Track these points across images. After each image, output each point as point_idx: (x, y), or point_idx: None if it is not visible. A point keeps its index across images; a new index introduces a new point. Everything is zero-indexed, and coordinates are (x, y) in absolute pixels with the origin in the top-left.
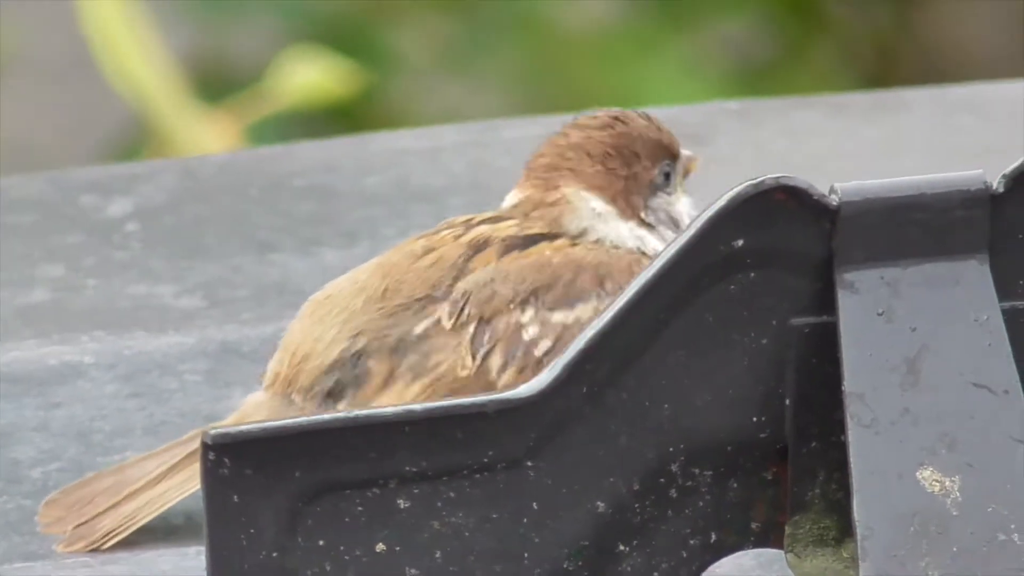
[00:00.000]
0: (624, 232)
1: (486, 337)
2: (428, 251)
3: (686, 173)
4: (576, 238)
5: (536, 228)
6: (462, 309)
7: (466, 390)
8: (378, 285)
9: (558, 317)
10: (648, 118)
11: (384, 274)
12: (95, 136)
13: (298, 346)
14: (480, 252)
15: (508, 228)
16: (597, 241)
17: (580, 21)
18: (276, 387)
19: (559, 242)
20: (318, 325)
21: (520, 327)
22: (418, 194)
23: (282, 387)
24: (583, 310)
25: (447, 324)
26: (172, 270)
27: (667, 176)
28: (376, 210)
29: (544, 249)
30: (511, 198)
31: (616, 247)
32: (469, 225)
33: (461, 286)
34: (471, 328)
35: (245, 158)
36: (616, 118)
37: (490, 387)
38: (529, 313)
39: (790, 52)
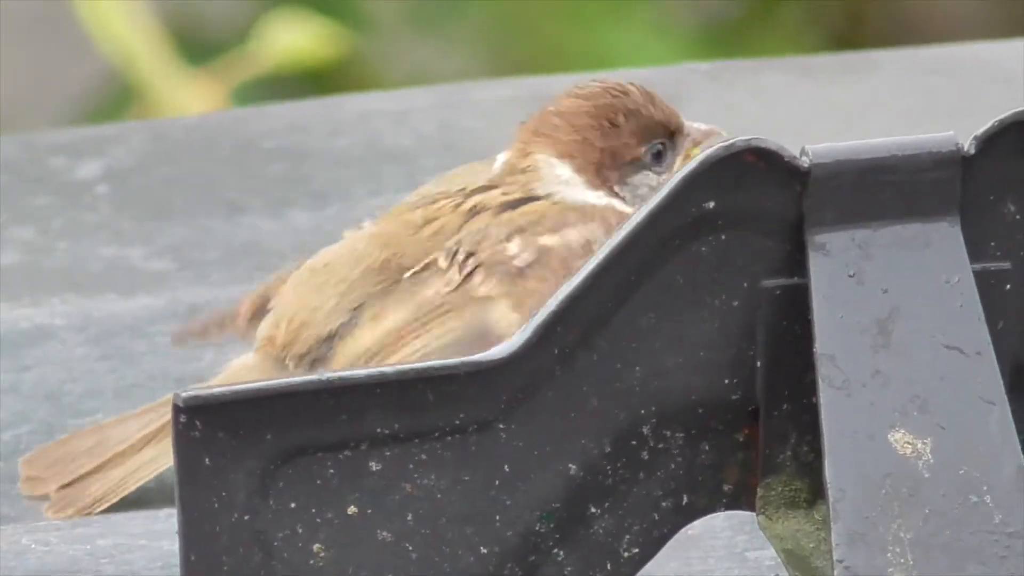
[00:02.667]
0: (591, 200)
1: (470, 261)
2: (428, 221)
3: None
4: (554, 203)
5: (517, 193)
6: (455, 252)
7: (450, 312)
8: (377, 255)
9: (544, 240)
10: (646, 94)
11: (383, 244)
12: (66, 94)
13: (295, 312)
14: (476, 216)
15: (499, 196)
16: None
17: None
18: (269, 350)
19: (541, 204)
20: (316, 294)
21: (505, 252)
22: (388, 155)
23: (276, 351)
24: (569, 234)
25: (443, 264)
26: (142, 232)
27: (659, 154)
28: (346, 171)
29: (534, 207)
30: (499, 160)
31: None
32: (465, 194)
33: (451, 240)
34: (460, 258)
35: (215, 120)
36: (610, 89)
37: (472, 303)
38: (516, 242)
39: (758, 12)
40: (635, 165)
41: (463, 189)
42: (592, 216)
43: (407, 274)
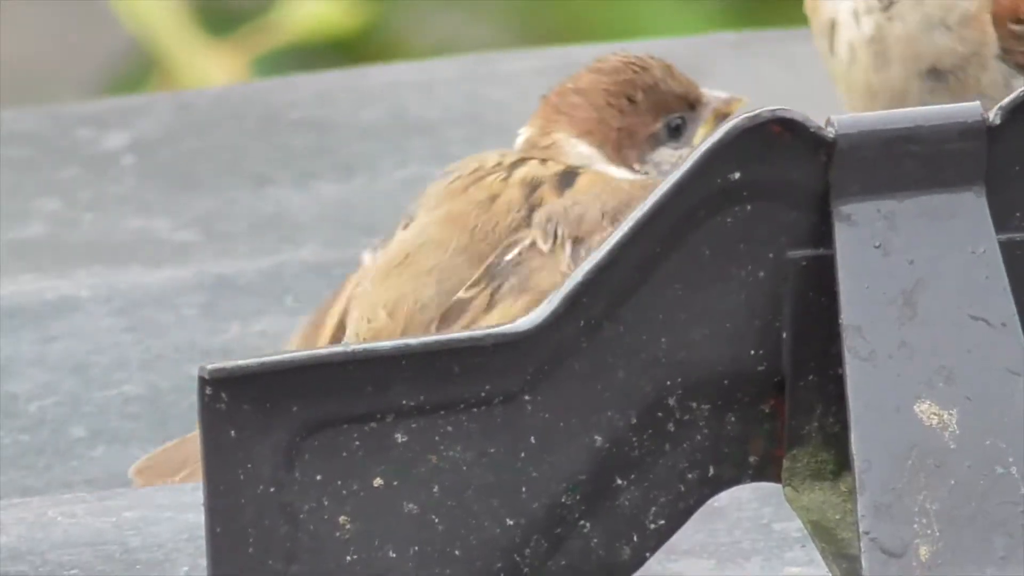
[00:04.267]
0: (618, 175)
1: (583, 252)
2: (493, 197)
3: (723, 116)
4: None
5: (559, 165)
6: (556, 233)
7: None
8: (460, 236)
9: None
10: (664, 67)
11: (459, 225)
12: (93, 63)
13: (396, 304)
14: (536, 190)
15: (544, 167)
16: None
17: None
18: None
19: (591, 174)
20: (411, 283)
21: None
22: (415, 127)
23: None
24: None
25: (544, 248)
26: (168, 204)
27: (677, 128)
28: (373, 143)
29: (591, 177)
30: (522, 135)
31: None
32: (505, 168)
33: (539, 217)
34: (567, 247)
35: (241, 91)
36: (630, 63)
37: None
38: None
39: None
40: (652, 141)
41: (499, 163)
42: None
43: (507, 256)
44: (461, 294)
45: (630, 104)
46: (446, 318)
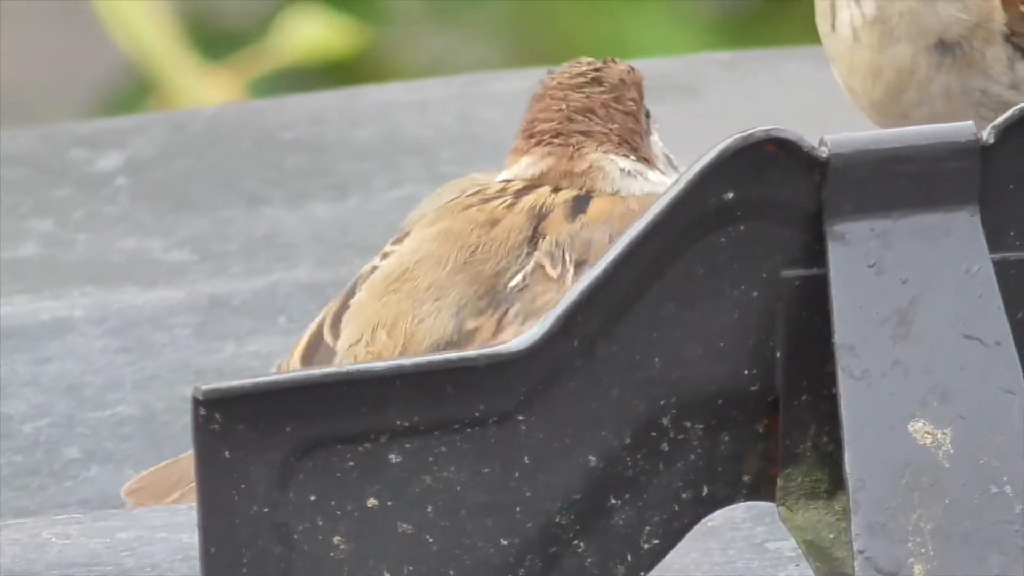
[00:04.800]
0: (655, 180)
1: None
2: (494, 221)
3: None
4: (613, 195)
5: (575, 191)
6: (564, 258)
7: None
8: (457, 255)
9: None
10: (618, 62)
11: (457, 244)
12: (88, 86)
13: (393, 322)
14: (546, 219)
15: (555, 195)
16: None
17: None
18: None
19: (605, 198)
20: (408, 300)
21: None
22: (408, 147)
23: None
24: None
25: (552, 273)
26: (162, 224)
27: (647, 115)
28: (366, 163)
29: (605, 203)
30: (528, 167)
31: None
32: (509, 194)
33: (546, 244)
34: (572, 269)
35: (235, 111)
36: (598, 70)
37: None
38: None
39: (777, 1)
40: (647, 135)
41: (503, 189)
42: None
43: (513, 281)
44: (469, 325)
45: (631, 103)
46: (455, 345)
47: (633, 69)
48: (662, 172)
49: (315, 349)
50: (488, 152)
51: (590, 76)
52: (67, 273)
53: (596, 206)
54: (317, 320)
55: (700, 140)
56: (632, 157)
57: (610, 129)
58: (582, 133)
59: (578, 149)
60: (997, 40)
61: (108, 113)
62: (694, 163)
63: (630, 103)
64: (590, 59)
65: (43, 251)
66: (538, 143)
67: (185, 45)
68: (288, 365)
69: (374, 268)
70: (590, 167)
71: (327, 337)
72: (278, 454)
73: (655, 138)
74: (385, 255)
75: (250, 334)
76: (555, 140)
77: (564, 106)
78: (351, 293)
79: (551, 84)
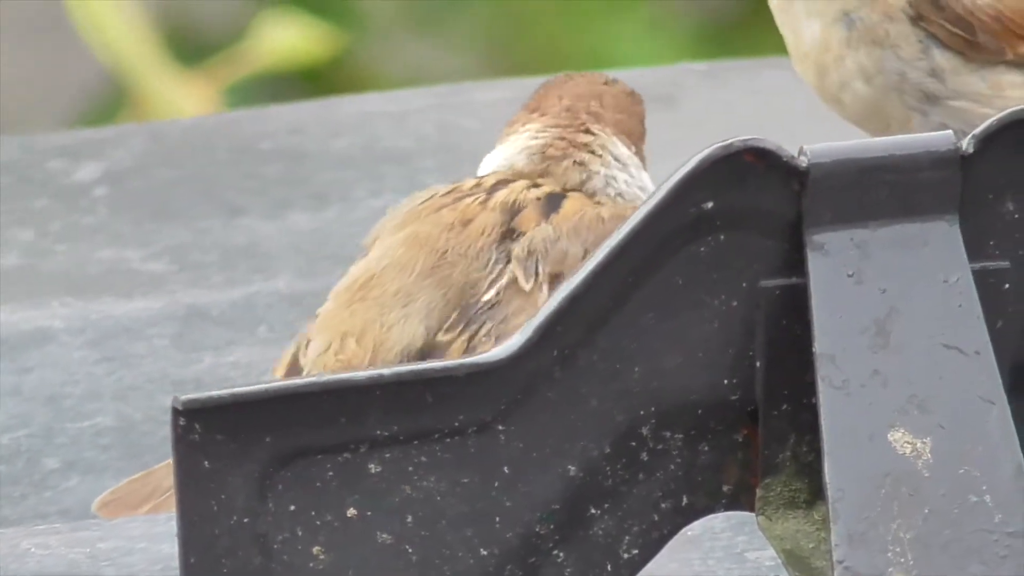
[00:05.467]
0: (646, 181)
1: (560, 282)
2: (465, 221)
3: None
4: (592, 195)
5: (550, 187)
6: (536, 270)
7: None
8: (424, 259)
9: None
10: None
11: (426, 248)
12: (65, 95)
13: (362, 330)
14: (518, 215)
15: (531, 190)
16: (615, 196)
17: None
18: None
19: (577, 199)
20: (376, 308)
21: None
22: (387, 156)
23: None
24: None
25: (525, 286)
26: (140, 234)
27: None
28: (345, 172)
29: (576, 204)
30: (529, 138)
31: (629, 201)
32: (483, 188)
33: (519, 249)
34: (545, 286)
35: (213, 121)
36: (600, 76)
37: None
38: None
39: (756, 11)
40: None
41: (478, 184)
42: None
43: (486, 296)
44: (440, 337)
45: (638, 111)
46: (424, 357)
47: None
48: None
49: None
50: (468, 161)
51: (602, 80)
52: (46, 283)
53: (569, 206)
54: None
55: (679, 150)
56: (630, 147)
57: (617, 118)
58: (591, 113)
59: (584, 123)
60: (901, 19)
61: (86, 123)
62: (673, 173)
63: (637, 108)
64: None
65: (22, 261)
66: (543, 115)
67: (161, 51)
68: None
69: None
70: (594, 140)
71: (302, 360)
72: (257, 464)
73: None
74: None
75: (229, 345)
76: (564, 112)
77: (575, 89)
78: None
79: (561, 77)
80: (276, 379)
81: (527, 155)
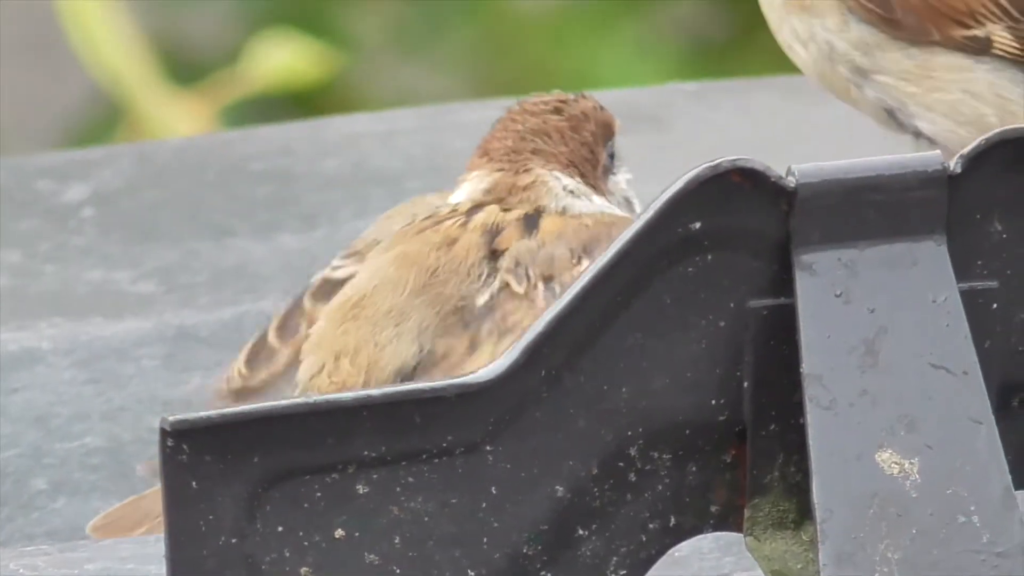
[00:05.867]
0: (599, 203)
1: (557, 288)
2: (450, 241)
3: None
4: (562, 214)
5: (524, 208)
6: (527, 275)
7: None
8: (415, 277)
9: None
10: (588, 98)
11: (416, 266)
12: (57, 115)
13: (355, 349)
14: (499, 235)
15: (505, 213)
16: (581, 214)
17: (534, 2)
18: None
19: (554, 216)
20: (369, 327)
21: (580, 270)
22: (375, 177)
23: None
24: None
25: (519, 289)
26: (129, 255)
27: (611, 156)
28: (334, 193)
29: (555, 220)
30: (477, 183)
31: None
32: (460, 213)
33: (507, 262)
34: (540, 286)
35: (201, 142)
36: (563, 101)
37: None
38: (586, 263)
39: (744, 32)
40: (605, 171)
41: (454, 210)
42: (618, 226)
43: (481, 300)
44: (438, 347)
45: (590, 136)
46: (426, 367)
47: (602, 109)
48: (608, 203)
49: (257, 353)
50: (455, 182)
51: (552, 106)
52: (34, 304)
53: (547, 223)
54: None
55: (667, 170)
56: (577, 179)
57: (560, 151)
58: (532, 152)
59: (525, 164)
60: None
61: (76, 144)
62: (661, 193)
63: (587, 135)
64: (560, 92)
65: (10, 282)
66: (490, 159)
67: (157, 72)
68: (232, 371)
69: (323, 279)
70: (534, 182)
71: (272, 339)
72: (246, 485)
73: (618, 178)
74: (335, 268)
75: (218, 365)
76: (505, 157)
77: (520, 127)
78: (299, 300)
79: (514, 109)
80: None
81: (482, 194)
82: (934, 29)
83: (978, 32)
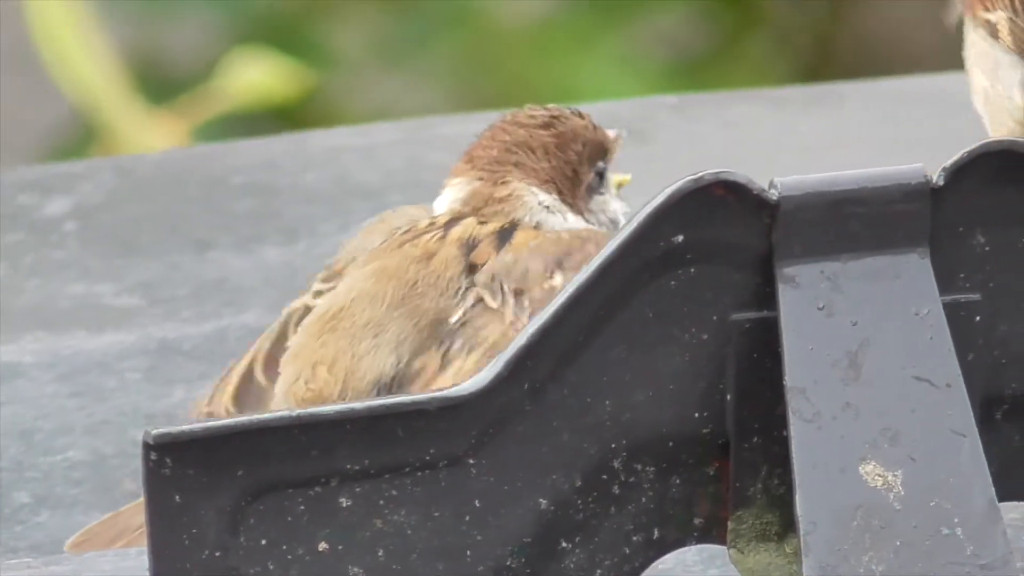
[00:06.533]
0: (572, 222)
1: (526, 302)
2: (429, 255)
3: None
4: (535, 228)
5: (499, 221)
6: (502, 289)
7: None
8: (394, 290)
9: None
10: (583, 116)
11: (391, 278)
12: (34, 132)
13: (332, 360)
14: (475, 249)
15: (481, 226)
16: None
17: (515, 15)
18: (315, 403)
19: (528, 231)
20: (347, 339)
21: (553, 289)
22: (357, 191)
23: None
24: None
25: (493, 304)
26: (111, 269)
27: (601, 176)
28: (315, 207)
29: (527, 234)
30: (456, 191)
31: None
32: (438, 227)
33: (483, 277)
34: (511, 300)
35: (183, 156)
36: (555, 117)
37: None
38: (559, 278)
39: (726, 45)
40: (589, 189)
41: (432, 223)
42: (599, 241)
43: (454, 317)
44: (414, 364)
45: (575, 154)
46: (400, 384)
47: (595, 128)
48: (586, 221)
49: (247, 388)
50: (436, 196)
51: (543, 120)
52: (17, 318)
53: (520, 238)
54: (247, 358)
55: (650, 183)
56: (554, 195)
57: (541, 167)
58: (514, 164)
59: (504, 176)
60: None
61: (54, 159)
62: (644, 206)
63: (572, 154)
64: (557, 107)
65: None
66: (472, 167)
67: (131, 90)
68: (219, 406)
69: (305, 307)
70: (510, 195)
71: (259, 376)
72: (229, 498)
73: (606, 198)
74: (317, 293)
75: (200, 378)
76: (487, 166)
77: (508, 138)
78: (283, 332)
79: (507, 119)
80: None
81: (460, 204)
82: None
83: None
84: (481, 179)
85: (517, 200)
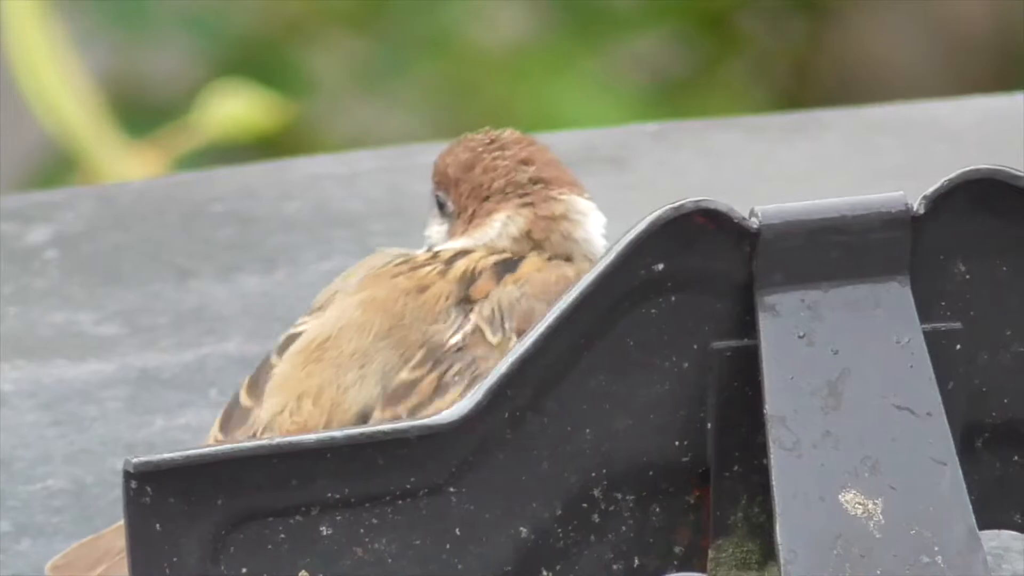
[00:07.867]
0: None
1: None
2: (422, 288)
3: None
4: (551, 256)
5: (507, 253)
6: (503, 326)
7: None
8: (381, 321)
9: None
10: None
11: (382, 310)
12: (13, 161)
13: (319, 390)
14: (474, 283)
15: (488, 257)
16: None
17: (494, 40)
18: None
19: (535, 259)
20: (333, 369)
21: None
22: (337, 219)
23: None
24: None
25: (492, 340)
26: (91, 297)
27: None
28: (295, 236)
29: (532, 265)
30: (506, 224)
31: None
32: (441, 261)
33: (485, 310)
34: (513, 338)
35: (163, 185)
36: (493, 137)
37: None
38: None
39: (704, 69)
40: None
41: (435, 255)
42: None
43: (453, 339)
44: (404, 375)
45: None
46: (392, 399)
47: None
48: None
49: (230, 415)
50: (418, 224)
51: (490, 140)
52: None
53: (526, 266)
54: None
55: (630, 211)
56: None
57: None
58: (539, 180)
59: (547, 192)
60: None
61: (35, 187)
62: (624, 234)
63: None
64: (481, 132)
65: None
66: (503, 199)
67: (109, 121)
68: (210, 436)
69: (289, 337)
70: (566, 209)
71: (244, 400)
72: (209, 527)
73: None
74: (299, 325)
75: (180, 407)
76: (520, 191)
77: (505, 161)
78: (266, 363)
79: (469, 145)
80: (213, 434)
81: (512, 241)
82: None
83: None
84: (527, 204)
85: (573, 213)
